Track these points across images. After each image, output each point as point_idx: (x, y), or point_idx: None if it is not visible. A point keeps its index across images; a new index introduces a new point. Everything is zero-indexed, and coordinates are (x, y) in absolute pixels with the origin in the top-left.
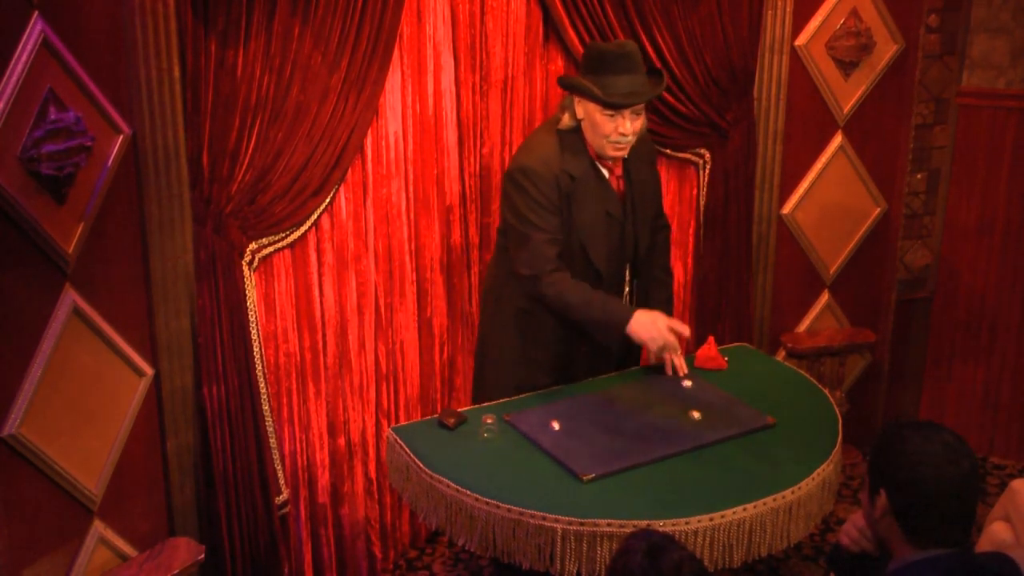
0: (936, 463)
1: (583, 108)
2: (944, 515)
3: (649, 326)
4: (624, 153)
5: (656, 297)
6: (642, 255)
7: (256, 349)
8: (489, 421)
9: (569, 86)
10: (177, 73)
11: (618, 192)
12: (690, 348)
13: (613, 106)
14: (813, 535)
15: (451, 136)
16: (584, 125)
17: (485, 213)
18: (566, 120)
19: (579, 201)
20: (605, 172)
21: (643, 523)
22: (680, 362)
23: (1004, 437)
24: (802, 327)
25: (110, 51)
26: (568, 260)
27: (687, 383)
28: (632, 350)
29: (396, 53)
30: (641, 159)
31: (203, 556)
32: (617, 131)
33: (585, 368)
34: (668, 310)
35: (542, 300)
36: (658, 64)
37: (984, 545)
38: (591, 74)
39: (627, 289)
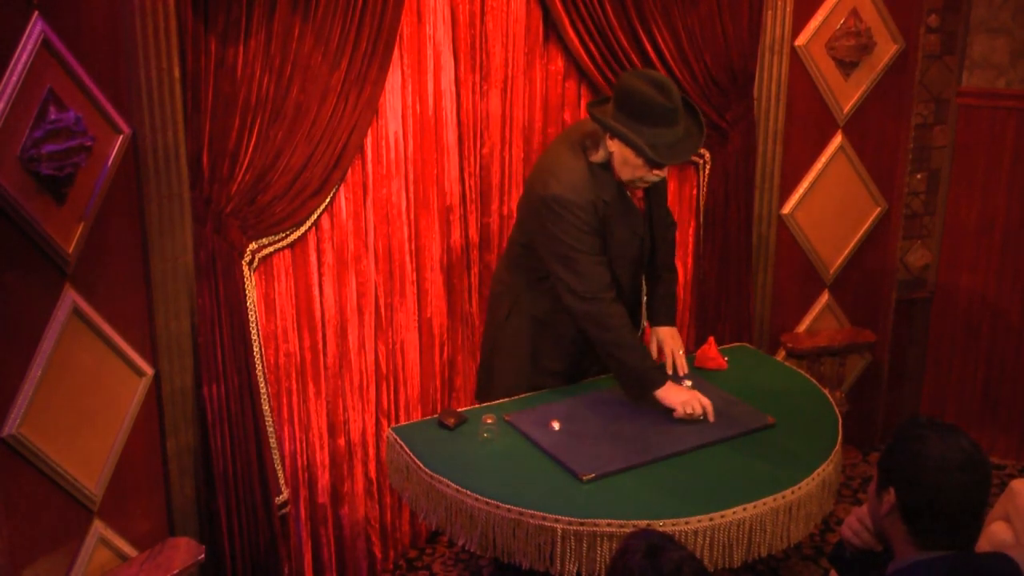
0: (951, 470)
1: (615, 146)
2: (953, 522)
3: (679, 391)
4: (641, 190)
5: (658, 292)
6: (649, 264)
7: (256, 349)
8: (489, 421)
9: (612, 131)
10: (177, 73)
11: (642, 211)
12: (690, 348)
13: (661, 164)
14: (813, 535)
15: (451, 136)
16: (615, 158)
17: (485, 213)
18: (600, 155)
19: (612, 224)
20: (630, 193)
21: (643, 523)
22: (681, 361)
23: (1004, 437)
24: (802, 327)
25: (110, 51)
26: None
27: (687, 383)
28: None
29: (396, 53)
30: None
31: (203, 556)
32: (652, 173)
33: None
34: (671, 305)
35: (587, 318)
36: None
37: (984, 545)
38: (633, 120)
39: (643, 297)
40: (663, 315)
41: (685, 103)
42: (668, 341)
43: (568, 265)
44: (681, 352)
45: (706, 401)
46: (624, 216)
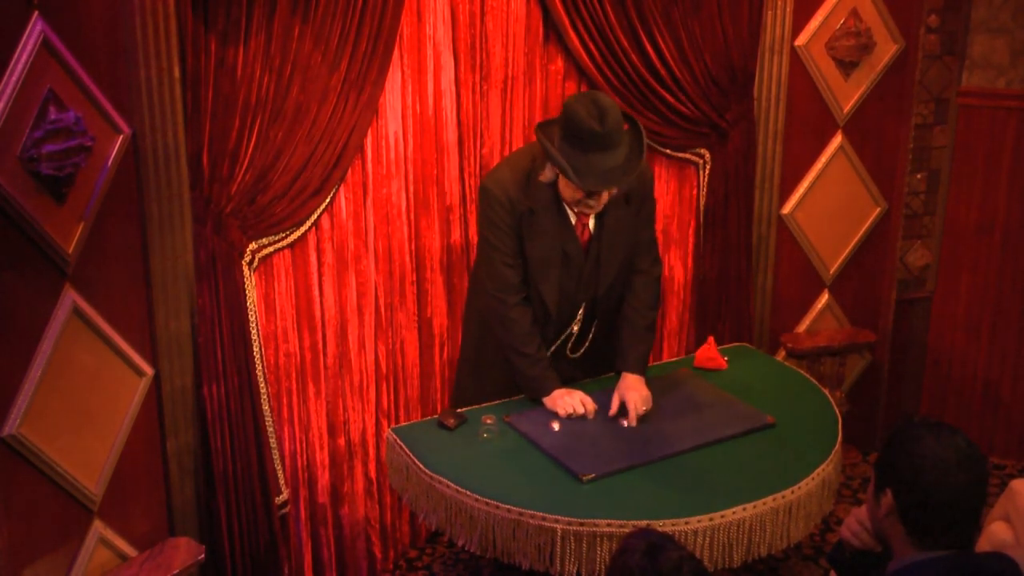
0: (947, 469)
1: (556, 171)
2: (950, 520)
3: (562, 398)
4: (591, 215)
5: (628, 332)
6: (602, 295)
7: (256, 349)
8: (489, 421)
9: (546, 152)
10: (177, 73)
11: (581, 235)
12: (690, 348)
13: (579, 187)
14: (813, 535)
15: (451, 136)
16: (560, 178)
17: None
18: (546, 174)
19: (533, 234)
20: (571, 213)
21: (643, 523)
22: (632, 416)
23: (1004, 437)
24: (802, 327)
25: (110, 51)
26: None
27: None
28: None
29: (396, 53)
30: (620, 198)
31: (203, 556)
32: (586, 202)
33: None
34: (640, 349)
35: (490, 312)
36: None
37: (984, 545)
38: (568, 145)
39: (575, 328)
40: (628, 360)
41: (634, 127)
42: (627, 393)
43: (482, 255)
44: (642, 409)
45: (588, 403)
46: (552, 229)
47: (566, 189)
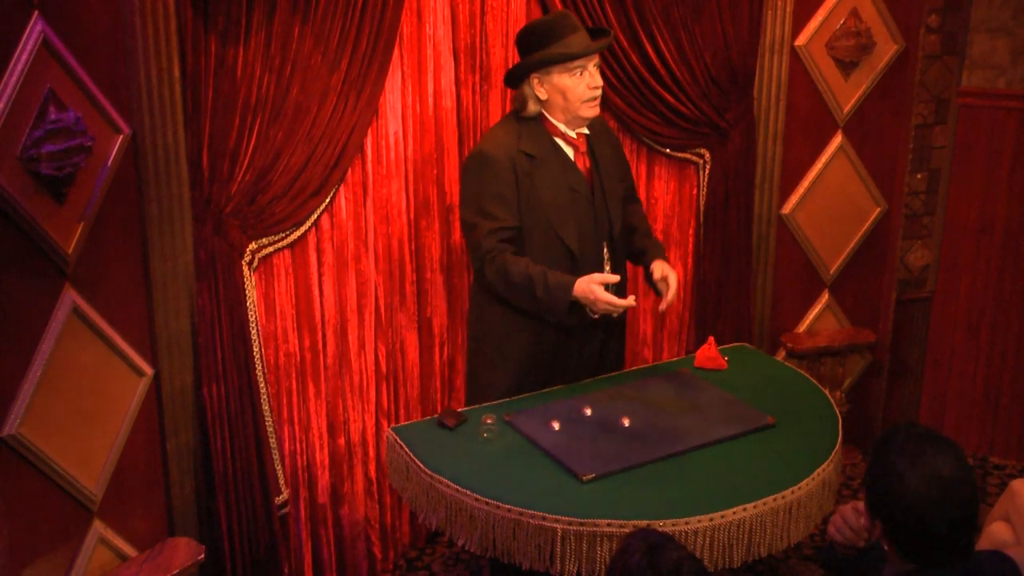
0: (932, 507)
1: (546, 86)
2: (944, 544)
3: (586, 292)
4: (598, 109)
5: (647, 245)
6: (618, 234)
7: (256, 349)
8: (489, 421)
9: (526, 67)
10: (177, 73)
11: (583, 169)
12: (690, 348)
13: (580, 56)
14: (813, 535)
15: (451, 136)
16: (553, 101)
17: None
18: (530, 107)
19: (540, 179)
20: (568, 150)
21: (643, 523)
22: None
23: (1004, 437)
24: (802, 327)
25: (110, 51)
26: (541, 243)
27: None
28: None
29: (396, 53)
30: (600, 137)
31: (203, 556)
32: (589, 86)
33: (571, 353)
34: (658, 244)
35: (490, 287)
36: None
37: (984, 545)
38: (541, 47)
39: (606, 268)
40: (656, 251)
41: (596, 28)
42: (670, 272)
43: (469, 230)
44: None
45: (605, 299)
46: (557, 171)
47: (567, 99)
